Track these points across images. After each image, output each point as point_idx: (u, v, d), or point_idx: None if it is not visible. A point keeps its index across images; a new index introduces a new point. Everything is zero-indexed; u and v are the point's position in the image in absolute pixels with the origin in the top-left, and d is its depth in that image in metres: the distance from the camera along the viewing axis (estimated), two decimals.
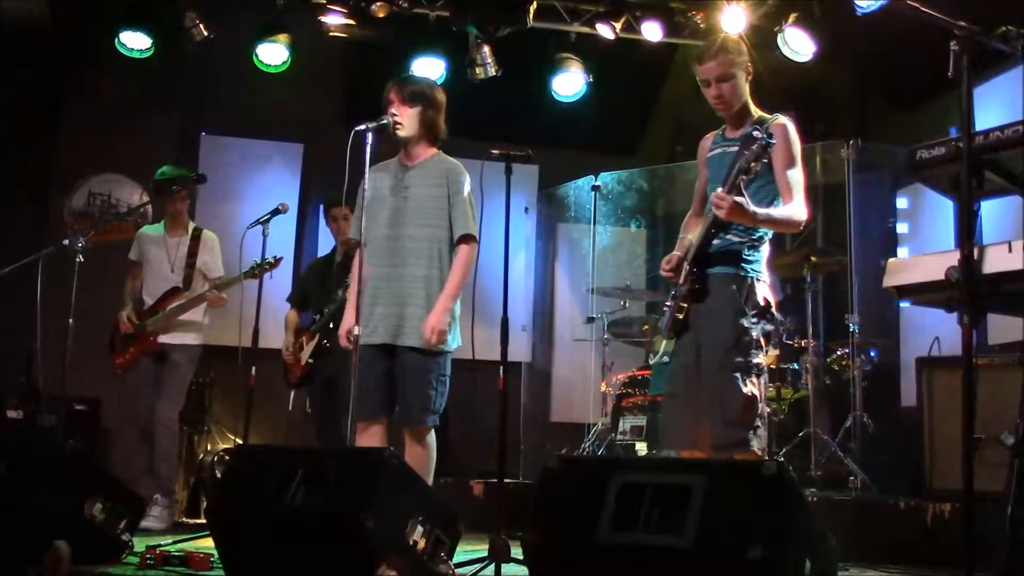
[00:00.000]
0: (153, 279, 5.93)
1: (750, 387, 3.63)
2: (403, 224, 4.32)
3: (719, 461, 3.46)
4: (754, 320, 3.70)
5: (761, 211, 3.60)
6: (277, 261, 5.55)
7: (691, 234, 3.99)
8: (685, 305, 3.80)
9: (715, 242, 3.78)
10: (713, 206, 3.57)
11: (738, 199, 3.50)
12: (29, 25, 6.78)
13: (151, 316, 5.82)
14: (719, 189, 3.58)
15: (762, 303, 3.74)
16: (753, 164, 3.53)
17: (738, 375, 3.62)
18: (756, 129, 3.61)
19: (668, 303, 3.93)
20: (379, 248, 4.32)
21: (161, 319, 5.78)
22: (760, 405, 3.67)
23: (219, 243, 6.08)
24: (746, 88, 3.87)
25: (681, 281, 3.83)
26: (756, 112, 3.89)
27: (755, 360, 3.67)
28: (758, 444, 3.62)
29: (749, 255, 3.77)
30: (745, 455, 3.56)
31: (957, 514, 4.22)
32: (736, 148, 3.74)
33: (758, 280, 3.76)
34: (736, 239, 3.77)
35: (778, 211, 3.70)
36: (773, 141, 3.54)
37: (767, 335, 3.77)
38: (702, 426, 3.68)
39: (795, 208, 3.70)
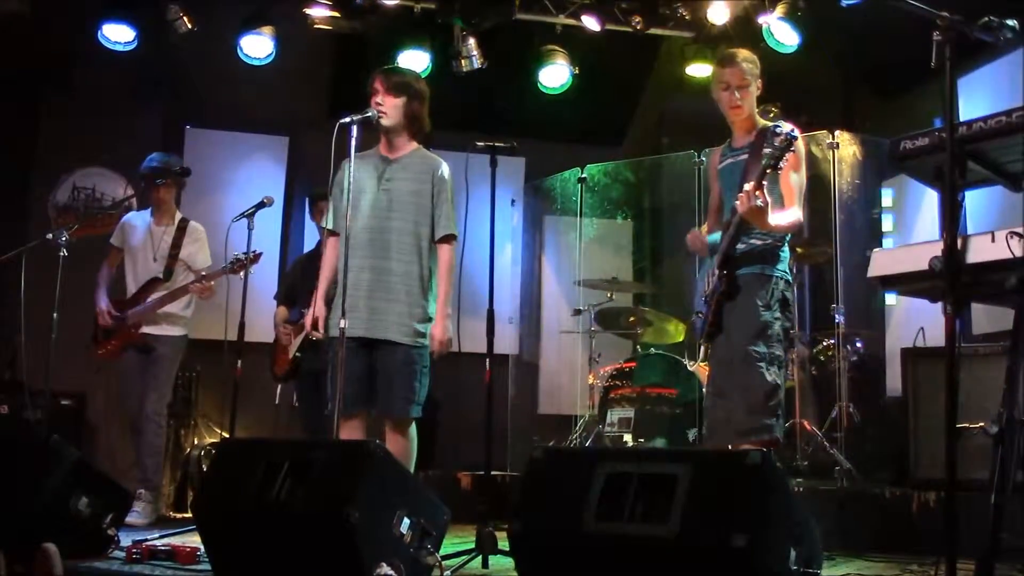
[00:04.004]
0: (136, 267, 5.84)
1: (773, 376, 3.84)
2: (385, 217, 4.32)
3: (704, 451, 3.49)
4: (777, 315, 3.94)
5: (772, 218, 3.81)
6: (256, 256, 5.50)
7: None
8: (718, 307, 4.00)
9: (739, 246, 3.99)
10: (738, 201, 3.75)
11: (760, 204, 3.68)
12: (11, 18, 6.73)
13: (132, 306, 5.74)
14: (747, 185, 3.74)
15: (784, 301, 3.99)
16: (780, 157, 3.70)
17: (762, 364, 3.84)
18: (777, 127, 3.80)
19: (700, 310, 4.13)
20: (360, 241, 4.31)
21: (142, 310, 5.71)
22: (780, 395, 3.87)
23: (206, 234, 6.01)
24: (755, 101, 4.16)
25: (712, 285, 4.04)
26: (761, 122, 4.14)
27: (777, 352, 3.90)
28: (780, 432, 3.85)
29: (773, 255, 4.02)
30: (767, 442, 3.72)
31: (941, 502, 4.24)
32: (745, 156, 4.01)
33: (782, 278, 4.01)
34: (759, 242, 4.01)
35: (782, 218, 3.92)
36: (796, 135, 3.74)
37: (786, 331, 4.03)
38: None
39: (794, 214, 3.97)
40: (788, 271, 4.07)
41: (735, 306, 3.97)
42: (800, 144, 3.98)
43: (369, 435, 4.23)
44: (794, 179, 3.98)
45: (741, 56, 4.14)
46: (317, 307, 4.37)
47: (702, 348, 4.29)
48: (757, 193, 3.67)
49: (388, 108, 4.33)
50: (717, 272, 4.00)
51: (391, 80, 4.37)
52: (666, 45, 7.52)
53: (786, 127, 3.82)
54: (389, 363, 4.23)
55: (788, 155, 3.72)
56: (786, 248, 4.09)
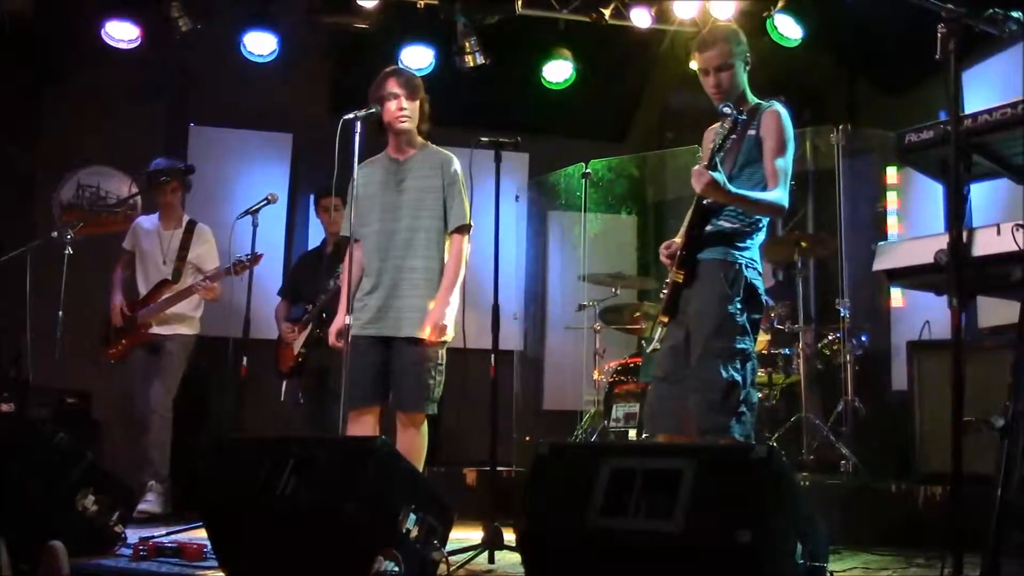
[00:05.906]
0: (147, 270, 5.96)
1: (732, 373, 3.58)
2: (398, 217, 4.34)
3: (709, 446, 3.47)
4: (739, 307, 3.66)
5: (734, 190, 3.59)
6: (257, 258, 5.52)
7: None
8: (677, 289, 3.77)
9: (707, 227, 3.76)
10: (692, 178, 3.59)
11: (714, 175, 3.52)
12: (14, 16, 6.74)
13: (142, 307, 5.84)
14: (698, 166, 3.59)
15: (751, 290, 3.71)
16: (726, 139, 3.58)
17: (720, 361, 3.58)
18: (727, 106, 3.65)
19: (664, 290, 3.91)
20: (374, 243, 4.34)
21: (152, 311, 5.80)
22: (744, 391, 3.61)
23: (214, 235, 6.06)
24: (744, 77, 3.86)
25: (674, 265, 3.80)
26: (753, 100, 3.88)
27: (739, 346, 3.62)
28: (740, 431, 3.57)
29: (741, 241, 3.75)
30: (726, 441, 3.53)
31: (947, 496, 4.24)
32: (732, 137, 3.75)
33: (748, 266, 3.72)
34: (728, 224, 3.75)
35: (754, 194, 3.69)
36: (743, 117, 3.60)
37: (755, 322, 3.74)
38: (687, 411, 3.66)
39: (774, 195, 3.69)
40: (757, 259, 3.78)
41: (694, 296, 3.73)
42: (788, 127, 3.76)
43: (381, 431, 4.25)
44: (779, 163, 3.72)
45: (719, 35, 3.85)
46: (341, 316, 4.34)
47: (658, 330, 3.89)
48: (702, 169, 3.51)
49: (411, 112, 4.35)
50: (680, 252, 3.76)
51: (410, 84, 4.38)
52: (670, 40, 7.51)
53: (768, 111, 3.71)
54: (403, 359, 4.24)
55: (729, 138, 3.59)
56: (759, 235, 3.81)
